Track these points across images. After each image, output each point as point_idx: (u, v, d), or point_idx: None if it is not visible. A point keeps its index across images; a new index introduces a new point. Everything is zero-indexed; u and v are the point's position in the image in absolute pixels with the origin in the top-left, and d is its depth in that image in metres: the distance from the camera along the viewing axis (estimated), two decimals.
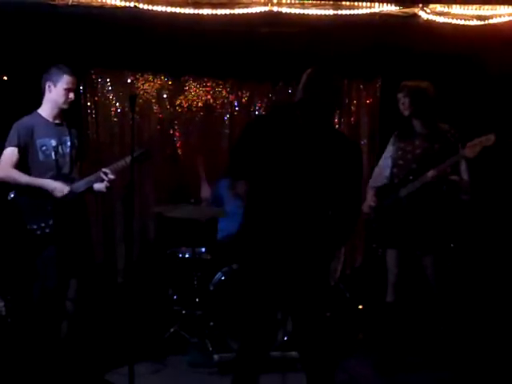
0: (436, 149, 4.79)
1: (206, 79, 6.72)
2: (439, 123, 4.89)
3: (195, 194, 6.18)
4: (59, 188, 4.53)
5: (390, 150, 5.11)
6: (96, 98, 6.46)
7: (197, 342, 5.41)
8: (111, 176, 4.67)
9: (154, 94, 6.60)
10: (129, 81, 6.53)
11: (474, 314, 5.55)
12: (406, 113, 4.89)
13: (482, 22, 5.24)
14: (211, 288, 5.39)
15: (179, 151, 6.71)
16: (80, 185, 4.69)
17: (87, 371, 4.75)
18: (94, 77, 6.44)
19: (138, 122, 6.31)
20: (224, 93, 6.75)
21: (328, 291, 3.83)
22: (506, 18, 5.19)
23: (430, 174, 4.71)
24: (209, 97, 6.73)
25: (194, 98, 6.70)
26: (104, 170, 4.68)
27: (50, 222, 4.46)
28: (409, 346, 5.17)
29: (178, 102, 6.67)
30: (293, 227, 3.49)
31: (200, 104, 6.72)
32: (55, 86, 4.61)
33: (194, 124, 6.74)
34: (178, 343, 5.49)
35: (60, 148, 4.65)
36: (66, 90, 4.62)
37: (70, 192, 4.59)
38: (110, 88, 6.49)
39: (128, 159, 4.62)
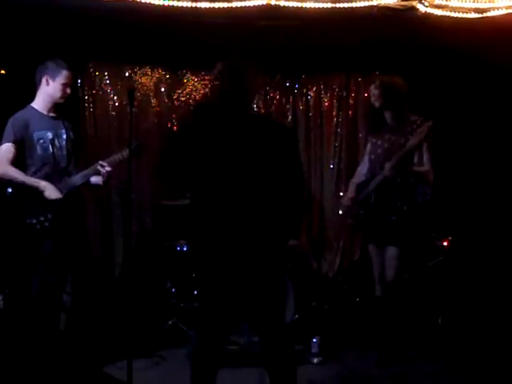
0: (402, 142, 4.82)
1: (203, 72, 6.71)
2: (410, 115, 4.92)
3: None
4: (52, 193, 4.51)
5: (367, 147, 5.21)
6: (94, 92, 6.45)
7: (195, 334, 5.41)
8: (108, 168, 4.67)
9: (152, 87, 6.60)
10: (126, 74, 6.52)
11: (469, 308, 5.57)
12: (377, 104, 4.94)
13: (480, 15, 5.24)
14: None
15: None
16: (77, 178, 4.69)
17: (85, 364, 4.76)
18: (91, 70, 6.43)
19: (136, 116, 6.29)
20: None
21: (282, 285, 3.70)
22: (504, 11, 5.18)
23: (386, 166, 4.78)
24: (207, 90, 6.72)
25: (192, 91, 6.70)
26: (101, 162, 4.68)
27: (49, 216, 4.47)
28: (407, 339, 5.18)
29: (175, 96, 6.67)
30: (239, 223, 3.44)
31: (198, 97, 6.71)
32: (53, 80, 4.60)
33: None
34: (176, 336, 5.51)
35: (56, 141, 4.65)
36: (63, 84, 4.62)
37: (67, 187, 4.59)
38: (107, 81, 6.48)
39: (125, 152, 4.64)
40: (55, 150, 4.63)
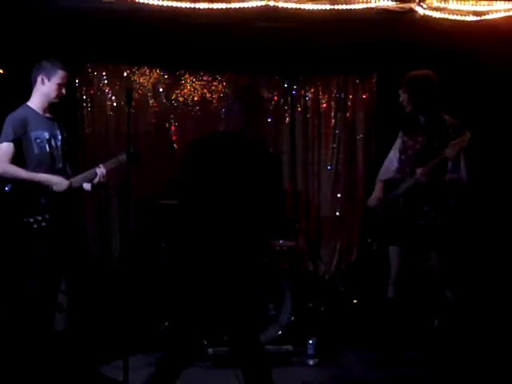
0: (435, 146, 4.71)
1: (202, 73, 6.71)
2: (444, 116, 4.81)
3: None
4: (59, 183, 4.53)
5: (397, 143, 5.06)
6: (92, 92, 6.45)
7: None
8: (103, 170, 4.70)
9: (150, 87, 6.60)
10: (125, 74, 6.52)
11: (466, 311, 5.57)
12: (408, 109, 4.84)
13: (479, 18, 5.24)
14: None
15: (175, 145, 6.70)
16: (77, 180, 4.70)
17: (81, 364, 4.75)
18: (89, 70, 6.43)
19: (134, 116, 6.29)
20: (220, 87, 6.75)
21: (253, 292, 3.97)
22: (502, 14, 5.19)
23: (418, 172, 4.69)
24: (205, 90, 6.73)
25: (190, 91, 6.70)
26: (101, 165, 4.69)
27: (47, 216, 4.46)
28: (404, 340, 5.19)
29: (174, 96, 6.67)
30: (221, 232, 3.77)
31: (196, 98, 6.72)
32: (49, 80, 4.59)
33: (190, 118, 6.74)
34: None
35: (52, 141, 4.65)
36: (58, 84, 4.61)
37: (68, 188, 4.60)
38: (105, 82, 6.48)
39: (121, 157, 4.68)
40: (52, 149, 4.63)
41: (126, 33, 5.63)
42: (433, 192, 4.74)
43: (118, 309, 4.71)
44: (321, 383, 4.75)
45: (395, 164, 5.03)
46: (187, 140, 6.68)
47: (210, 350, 5.03)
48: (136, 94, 6.41)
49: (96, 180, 4.71)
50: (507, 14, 5.20)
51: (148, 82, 6.58)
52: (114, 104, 6.50)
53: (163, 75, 6.62)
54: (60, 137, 4.72)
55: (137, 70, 6.56)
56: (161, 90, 6.63)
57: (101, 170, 4.69)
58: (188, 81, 6.69)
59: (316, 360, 5.12)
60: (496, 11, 5.20)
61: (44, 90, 4.62)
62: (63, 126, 4.82)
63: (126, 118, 4.05)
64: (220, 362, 4.94)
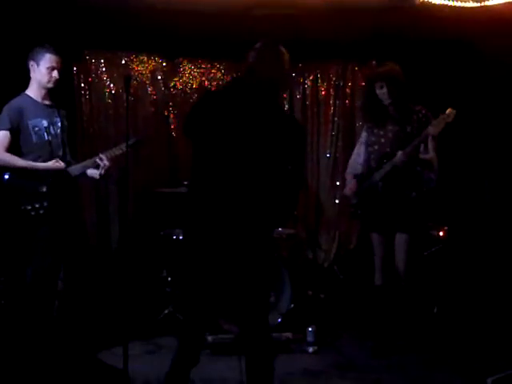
0: (408, 131, 4.83)
1: (200, 60, 6.69)
2: (411, 105, 4.91)
3: (189, 176, 6.16)
4: (56, 165, 4.53)
5: (363, 136, 5.17)
6: (90, 79, 6.43)
7: None
8: (106, 163, 4.68)
9: (149, 75, 6.57)
10: (123, 62, 6.49)
11: (465, 298, 5.59)
12: (387, 102, 4.91)
13: (478, 4, 5.23)
14: None
15: (173, 133, 6.69)
16: (76, 168, 4.69)
17: (81, 352, 4.76)
18: (87, 58, 6.40)
19: (133, 104, 6.27)
20: (219, 74, 6.73)
21: (268, 271, 3.74)
22: (502, 0, 5.17)
23: (399, 155, 4.76)
24: (203, 78, 6.71)
25: (189, 79, 6.68)
26: (101, 155, 4.68)
27: (45, 204, 4.46)
28: (402, 328, 5.19)
29: (172, 84, 6.65)
30: (231, 206, 3.48)
31: (195, 85, 6.70)
32: (38, 65, 4.57)
33: (188, 106, 6.69)
34: (171, 324, 5.51)
35: (51, 129, 4.63)
36: (48, 68, 4.57)
37: (66, 174, 4.59)
38: (103, 69, 6.46)
39: (124, 146, 4.64)
40: (50, 137, 4.61)
41: (124, 20, 5.61)
42: (409, 174, 4.83)
43: (117, 296, 4.71)
44: (320, 370, 4.75)
45: (362, 158, 5.13)
46: None
47: (209, 338, 5.03)
48: (134, 82, 6.39)
49: (102, 172, 4.69)
50: (507, 0, 5.18)
51: (146, 69, 6.56)
52: (113, 92, 6.47)
53: (161, 63, 6.59)
54: (60, 124, 4.70)
55: (135, 57, 6.53)
56: (159, 77, 6.61)
57: (103, 162, 4.67)
58: (186, 68, 6.67)
59: (315, 347, 5.12)
60: None
61: (36, 76, 4.60)
62: (65, 114, 4.81)
63: (125, 105, 4.04)
64: (218, 349, 4.94)
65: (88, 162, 4.73)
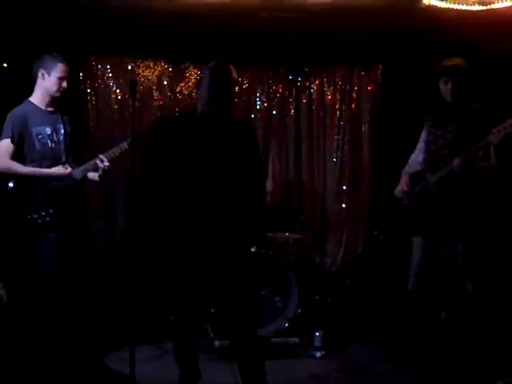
0: (467, 133, 4.65)
1: (206, 65, 6.68)
2: (473, 104, 4.76)
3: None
4: (61, 172, 4.54)
5: (423, 135, 5.01)
6: (96, 85, 6.43)
7: None
8: (106, 163, 4.71)
9: (155, 80, 6.58)
10: (129, 67, 6.50)
11: (473, 303, 5.55)
12: (449, 99, 4.76)
13: (485, 7, 5.20)
14: None
15: None
16: (78, 172, 4.71)
17: (87, 357, 4.75)
18: (93, 64, 6.41)
19: (139, 109, 6.28)
20: None
21: (251, 279, 4.03)
22: (509, 3, 5.14)
23: (456, 161, 4.58)
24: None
25: (195, 84, 6.67)
26: (100, 156, 4.70)
27: (51, 211, 4.47)
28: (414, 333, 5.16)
29: (178, 89, 6.65)
30: (208, 218, 3.72)
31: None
32: (49, 74, 4.60)
33: None
34: None
35: (55, 136, 4.66)
36: (59, 78, 4.61)
37: (70, 179, 4.60)
38: (110, 75, 6.46)
39: (123, 145, 4.68)
40: (54, 145, 4.63)
41: (130, 25, 5.62)
42: (467, 181, 4.68)
43: (123, 301, 4.71)
44: (327, 376, 4.73)
45: (421, 156, 4.99)
46: None
47: (217, 343, 5.03)
48: (140, 87, 6.39)
49: (100, 172, 4.72)
50: None
51: (152, 74, 6.56)
52: (119, 97, 6.48)
53: (167, 68, 6.59)
54: (63, 131, 4.72)
55: (141, 62, 6.54)
56: (165, 82, 6.61)
57: (101, 159, 4.69)
58: (192, 73, 6.66)
59: (323, 352, 5.11)
60: (503, 0, 5.15)
61: (45, 85, 4.62)
62: (68, 120, 4.82)
63: (131, 111, 4.04)
64: (226, 354, 4.93)
65: (88, 164, 4.75)
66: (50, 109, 4.69)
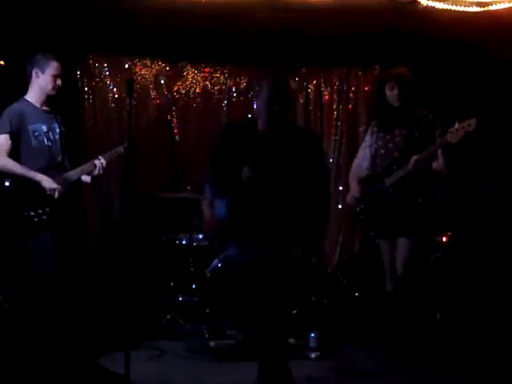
0: (415, 136, 4.77)
1: (203, 65, 6.69)
2: (417, 109, 4.86)
3: (192, 180, 6.17)
4: (49, 184, 4.52)
5: (368, 140, 5.09)
6: (93, 84, 6.44)
7: (193, 328, 5.42)
8: (103, 161, 4.70)
9: (152, 79, 6.58)
10: (126, 66, 6.50)
11: (468, 304, 5.56)
12: (397, 104, 4.85)
13: (482, 9, 5.22)
14: (208, 275, 5.39)
15: (177, 137, 6.69)
16: (74, 173, 4.71)
17: (82, 357, 4.74)
18: (91, 62, 6.41)
19: (136, 108, 6.28)
20: (222, 78, 6.74)
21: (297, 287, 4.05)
22: (506, 5, 5.16)
23: (413, 161, 4.68)
24: (207, 82, 6.71)
25: (192, 83, 6.68)
26: (100, 157, 4.69)
27: (47, 209, 4.46)
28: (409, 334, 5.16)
29: (175, 88, 6.65)
30: (269, 226, 3.73)
31: (198, 90, 6.70)
32: (43, 72, 4.59)
33: (191, 110, 6.72)
34: (174, 330, 5.50)
35: (51, 134, 4.65)
36: (53, 76, 4.61)
37: (63, 182, 4.58)
38: (107, 73, 6.47)
39: (119, 149, 4.67)
40: (50, 143, 4.63)
41: (127, 24, 5.61)
42: (419, 180, 4.77)
43: (119, 301, 4.70)
44: (323, 376, 4.72)
45: (367, 161, 5.05)
46: (188, 132, 6.68)
47: (212, 343, 5.03)
48: (137, 86, 6.40)
49: (95, 172, 4.72)
50: (511, 4, 5.16)
51: (150, 73, 6.57)
52: (116, 95, 6.48)
53: (165, 67, 6.60)
54: (58, 130, 4.72)
55: (138, 61, 6.54)
56: (162, 81, 6.62)
57: (100, 162, 4.70)
58: (190, 72, 6.68)
59: (318, 353, 5.10)
60: (499, 2, 5.17)
61: (40, 84, 4.62)
62: (61, 120, 4.81)
63: (128, 109, 4.04)
64: (221, 355, 4.92)
65: (86, 166, 4.75)
66: (45, 108, 4.69)
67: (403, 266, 4.85)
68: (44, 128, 4.61)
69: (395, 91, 4.81)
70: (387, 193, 4.86)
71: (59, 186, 4.54)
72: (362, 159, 5.13)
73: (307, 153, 3.81)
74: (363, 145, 5.16)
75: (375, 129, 5.03)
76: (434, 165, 4.74)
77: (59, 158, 4.68)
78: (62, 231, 4.59)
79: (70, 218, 4.70)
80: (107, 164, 4.76)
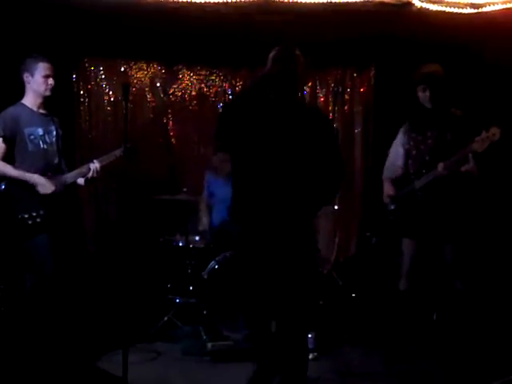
0: (448, 138, 4.69)
1: (199, 67, 6.71)
2: (452, 110, 4.79)
3: (188, 183, 6.18)
4: (44, 185, 4.53)
5: (400, 139, 5.01)
6: (89, 87, 6.45)
7: (190, 330, 5.43)
8: (99, 170, 4.73)
9: (148, 82, 6.59)
10: (122, 69, 6.52)
11: (465, 304, 5.57)
12: (429, 106, 4.79)
13: (476, 10, 5.24)
14: (205, 276, 5.40)
15: (172, 140, 6.70)
16: (71, 176, 4.72)
17: (80, 359, 4.75)
18: (87, 65, 6.42)
19: (132, 111, 6.29)
20: (217, 81, 6.75)
21: (314, 271, 3.98)
22: (500, 6, 5.18)
23: (440, 167, 4.63)
24: (202, 85, 6.73)
25: (188, 86, 6.69)
26: (95, 161, 4.71)
27: (41, 212, 4.45)
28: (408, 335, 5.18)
29: (171, 91, 6.66)
30: (275, 195, 3.61)
31: (193, 93, 6.72)
32: (33, 75, 4.60)
33: (187, 112, 6.73)
34: (171, 331, 5.51)
35: (47, 137, 4.65)
36: (44, 77, 4.60)
37: (60, 184, 4.59)
38: (103, 76, 6.48)
39: (117, 152, 4.70)
40: (46, 146, 4.63)
41: (123, 27, 5.63)
42: (451, 185, 4.72)
43: (116, 303, 4.71)
44: (320, 377, 4.73)
45: (401, 160, 4.99)
46: (184, 134, 6.69)
47: (209, 345, 5.03)
48: (133, 89, 6.42)
49: (89, 174, 4.73)
50: (504, 6, 5.19)
51: (145, 76, 6.58)
52: (112, 99, 6.49)
53: (160, 70, 6.62)
54: (55, 133, 4.72)
55: (134, 64, 6.56)
56: (158, 84, 6.63)
57: (94, 166, 4.72)
58: (185, 75, 6.69)
59: (315, 354, 5.10)
60: (493, 3, 5.20)
61: (32, 87, 4.63)
62: (58, 122, 4.82)
63: (123, 112, 4.05)
64: (218, 356, 4.93)
65: (82, 168, 4.76)
66: (41, 111, 4.69)
67: (456, 270, 4.83)
68: (40, 131, 4.62)
69: (427, 93, 4.75)
70: (416, 196, 4.82)
71: (54, 188, 4.56)
72: (395, 158, 5.05)
73: (313, 126, 3.69)
74: (394, 143, 5.07)
75: (408, 128, 4.96)
76: (464, 168, 4.64)
77: (56, 161, 4.69)
78: (58, 233, 4.59)
79: (66, 220, 4.70)
80: (103, 167, 4.77)
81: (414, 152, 4.89)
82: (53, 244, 4.55)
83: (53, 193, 4.55)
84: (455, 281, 4.90)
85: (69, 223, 4.76)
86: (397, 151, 5.04)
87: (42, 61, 4.61)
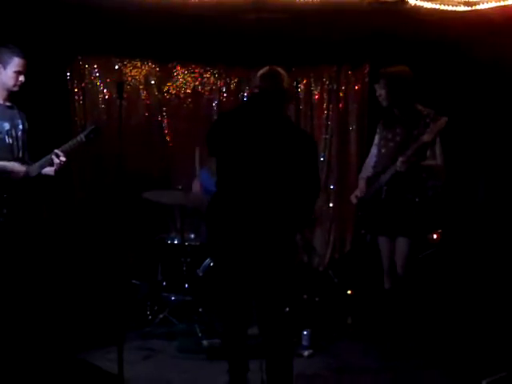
0: (415, 135, 4.74)
1: (193, 65, 6.71)
2: (419, 107, 4.85)
3: (183, 180, 6.18)
4: (15, 168, 4.43)
5: (376, 139, 5.13)
6: (83, 85, 6.43)
7: (186, 327, 5.43)
8: (62, 159, 4.48)
9: (142, 80, 6.59)
10: (116, 67, 6.51)
11: (459, 301, 5.59)
12: (384, 103, 4.90)
13: (470, 8, 5.24)
14: (200, 274, 5.40)
15: (167, 138, 6.70)
16: (34, 168, 4.55)
17: (75, 357, 4.74)
18: (81, 63, 6.41)
19: (126, 109, 6.28)
20: (212, 79, 6.75)
21: (291, 275, 4.07)
22: (493, 4, 5.18)
23: (398, 161, 4.70)
24: (197, 83, 6.73)
25: (182, 84, 6.69)
26: (56, 151, 4.49)
27: (4, 211, 4.37)
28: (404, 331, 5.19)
29: (165, 89, 6.66)
30: (252, 206, 3.79)
31: (188, 90, 6.72)
32: (5, 68, 4.45)
33: (182, 110, 6.73)
34: (167, 329, 5.51)
35: (13, 131, 4.53)
36: (15, 72, 4.46)
37: (25, 176, 4.51)
38: (97, 74, 6.47)
39: (80, 138, 4.53)
40: (11, 140, 4.51)
41: (117, 25, 5.61)
42: (413, 179, 4.80)
43: (111, 301, 4.71)
44: (316, 374, 4.75)
45: (373, 160, 5.10)
46: (179, 132, 6.69)
47: (205, 343, 5.04)
48: (128, 87, 6.41)
49: (55, 167, 4.53)
50: (498, 3, 5.19)
51: (140, 74, 6.58)
52: (106, 97, 6.48)
53: (155, 68, 6.61)
54: (21, 126, 4.60)
55: (128, 62, 6.55)
56: (152, 82, 6.63)
57: (57, 154, 4.48)
58: (180, 73, 6.69)
59: (311, 351, 5.12)
60: (487, 1, 5.19)
61: (1, 79, 4.48)
62: (24, 116, 4.69)
63: (118, 110, 4.04)
64: (214, 354, 4.93)
65: (43, 160, 4.55)
66: (7, 103, 4.57)
67: (403, 265, 4.88)
68: (6, 125, 4.49)
69: (382, 91, 4.86)
70: (381, 191, 4.90)
71: (25, 168, 4.48)
72: (370, 157, 5.17)
73: (300, 146, 3.90)
74: (373, 144, 5.19)
75: (381, 127, 5.07)
76: (426, 163, 4.76)
77: (20, 155, 4.57)
78: (22, 232, 4.49)
79: (30, 217, 4.59)
80: (69, 155, 4.55)
81: (383, 150, 5.00)
82: (17, 243, 4.45)
83: (18, 187, 4.46)
84: (387, 277, 5.05)
85: (34, 220, 4.65)
86: (372, 151, 5.17)
87: (18, 56, 4.46)
